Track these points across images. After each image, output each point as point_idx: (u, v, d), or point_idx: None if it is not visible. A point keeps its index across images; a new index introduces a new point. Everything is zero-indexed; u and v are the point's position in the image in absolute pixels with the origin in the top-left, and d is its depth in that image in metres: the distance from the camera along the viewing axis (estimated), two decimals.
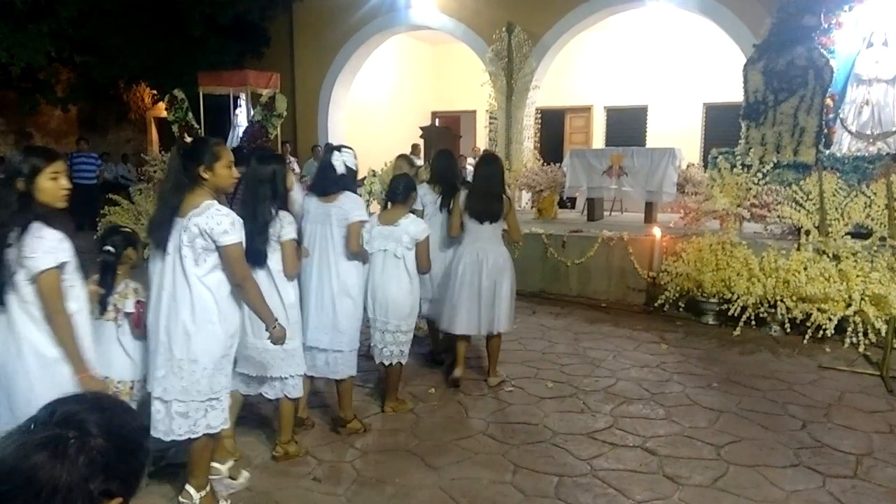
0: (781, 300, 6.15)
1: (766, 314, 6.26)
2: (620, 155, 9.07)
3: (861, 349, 5.70)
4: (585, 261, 7.75)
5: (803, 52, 7.46)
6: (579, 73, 14.83)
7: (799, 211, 6.76)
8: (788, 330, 6.12)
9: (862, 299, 5.81)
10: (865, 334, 5.75)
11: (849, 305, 5.85)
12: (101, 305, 3.17)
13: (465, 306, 4.76)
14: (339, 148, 3.95)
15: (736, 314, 6.26)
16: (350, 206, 3.84)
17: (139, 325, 3.17)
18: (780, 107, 7.62)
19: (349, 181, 3.92)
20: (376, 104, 15.88)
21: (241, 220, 2.96)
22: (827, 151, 7.60)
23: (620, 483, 3.56)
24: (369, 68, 14.92)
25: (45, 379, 2.51)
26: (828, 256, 6.30)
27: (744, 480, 3.59)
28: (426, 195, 5.18)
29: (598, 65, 14.76)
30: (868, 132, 7.85)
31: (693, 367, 5.50)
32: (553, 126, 15.25)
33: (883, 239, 6.31)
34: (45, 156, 2.58)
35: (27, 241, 2.45)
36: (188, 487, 3.11)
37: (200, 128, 11.17)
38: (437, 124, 16.01)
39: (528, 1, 11.85)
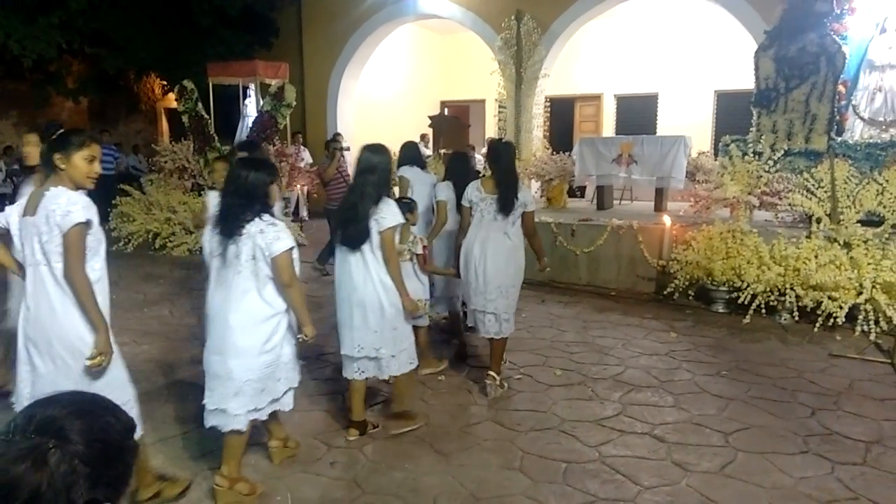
0: (791, 288, 6.12)
1: (776, 302, 6.24)
2: (630, 143, 9.03)
3: (872, 337, 5.68)
4: (594, 249, 7.75)
5: (815, 38, 7.38)
6: (589, 61, 14.74)
7: (810, 199, 6.72)
8: (798, 318, 6.10)
9: (873, 287, 5.78)
10: (876, 322, 5.73)
11: (860, 293, 5.82)
12: None
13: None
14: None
15: (746, 302, 6.24)
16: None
17: (426, 262, 4.58)
18: (791, 94, 7.55)
19: None
20: (385, 94, 15.86)
21: None
22: (839, 139, 7.52)
23: (628, 469, 3.58)
24: (378, 58, 14.89)
25: (386, 298, 3.73)
26: (839, 244, 6.27)
27: (752, 467, 3.60)
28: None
29: (608, 53, 14.66)
30: (881, 119, 7.77)
31: (702, 355, 5.49)
32: (563, 115, 15.18)
33: (895, 226, 6.26)
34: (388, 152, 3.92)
35: (381, 207, 3.71)
36: (491, 373, 4.58)
37: (210, 118, 11.22)
38: (445, 113, 15.97)
39: None
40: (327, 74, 14.40)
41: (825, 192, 6.67)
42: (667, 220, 7.37)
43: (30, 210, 2.83)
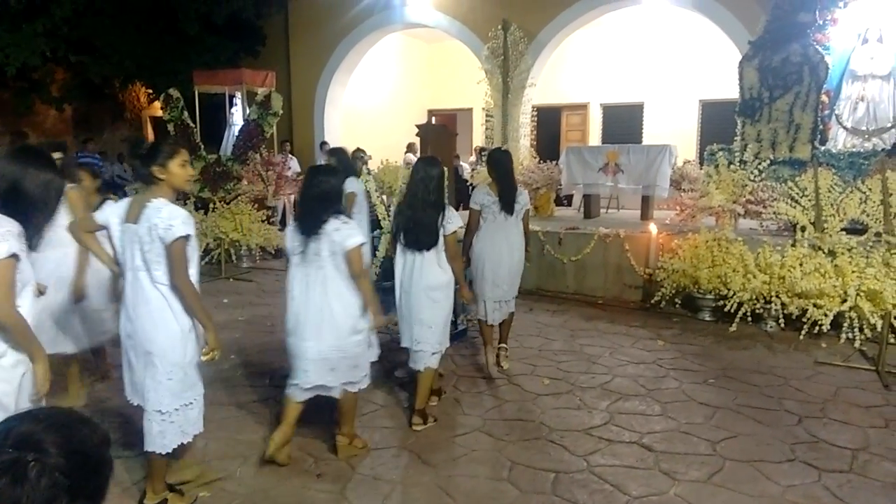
0: (777, 296, 6.16)
1: (761, 310, 6.28)
2: (616, 152, 9.07)
3: (857, 344, 5.71)
4: (582, 258, 7.76)
5: (798, 48, 7.46)
6: (575, 70, 14.82)
7: (794, 207, 6.77)
8: (784, 326, 6.14)
9: (857, 295, 5.82)
10: (861, 330, 5.77)
11: (844, 301, 5.86)
12: None
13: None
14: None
15: (732, 310, 6.27)
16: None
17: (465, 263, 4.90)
18: (775, 103, 7.62)
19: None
20: (372, 102, 15.85)
21: None
22: (822, 148, 7.60)
23: (617, 479, 3.57)
24: (365, 66, 14.88)
25: (440, 295, 4.18)
26: (823, 252, 6.31)
27: (740, 475, 3.60)
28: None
29: (594, 62, 14.75)
30: (863, 128, 7.86)
31: (689, 363, 5.50)
32: (549, 124, 15.23)
33: (878, 234, 6.32)
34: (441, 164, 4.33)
35: (447, 214, 4.14)
36: (503, 345, 5.33)
37: (196, 127, 11.15)
38: (433, 122, 15.97)
39: None
40: (314, 83, 14.37)
41: (809, 200, 6.72)
42: (653, 228, 7.40)
43: (131, 217, 2.99)
